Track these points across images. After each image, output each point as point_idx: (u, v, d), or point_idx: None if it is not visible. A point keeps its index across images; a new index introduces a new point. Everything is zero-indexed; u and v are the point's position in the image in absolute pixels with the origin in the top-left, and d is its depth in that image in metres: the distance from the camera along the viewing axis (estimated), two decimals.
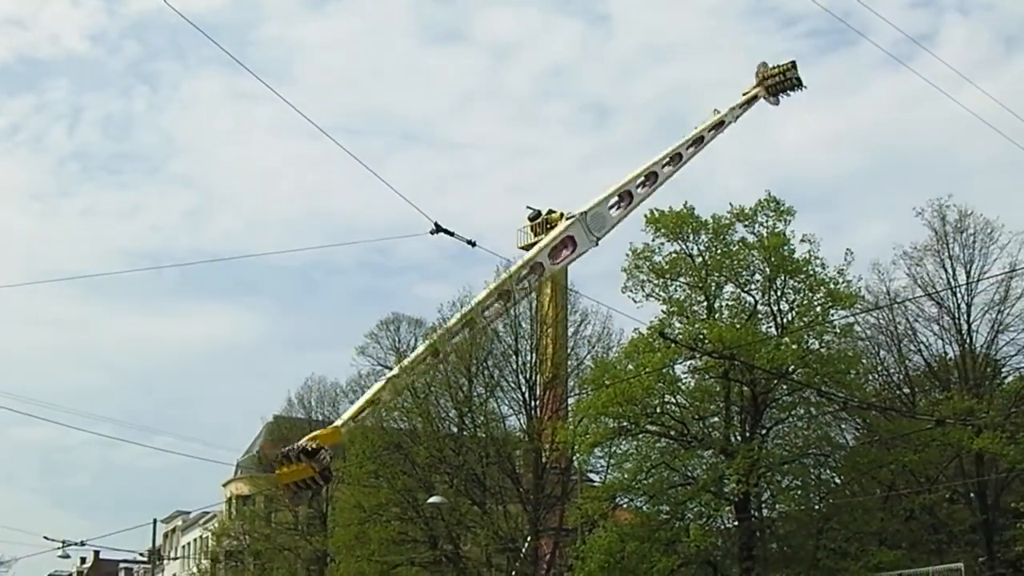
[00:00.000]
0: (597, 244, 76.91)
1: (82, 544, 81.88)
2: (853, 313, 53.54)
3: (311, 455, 58.53)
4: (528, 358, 67.57)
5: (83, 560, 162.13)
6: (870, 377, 58.43)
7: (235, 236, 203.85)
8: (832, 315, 51.65)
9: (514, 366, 67.65)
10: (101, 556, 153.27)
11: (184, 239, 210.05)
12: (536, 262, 72.07)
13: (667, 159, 79.67)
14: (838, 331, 52.05)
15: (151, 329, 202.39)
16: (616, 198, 77.23)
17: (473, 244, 39.79)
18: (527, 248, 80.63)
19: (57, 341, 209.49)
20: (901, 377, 61.60)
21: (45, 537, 79.30)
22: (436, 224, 37.75)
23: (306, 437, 61.08)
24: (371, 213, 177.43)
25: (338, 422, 63.98)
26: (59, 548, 77.70)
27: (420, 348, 67.32)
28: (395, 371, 65.49)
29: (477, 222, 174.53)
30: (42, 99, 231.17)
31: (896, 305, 59.94)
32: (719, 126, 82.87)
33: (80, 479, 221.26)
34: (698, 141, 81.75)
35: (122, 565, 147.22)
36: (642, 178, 78.36)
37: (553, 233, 75.47)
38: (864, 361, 55.98)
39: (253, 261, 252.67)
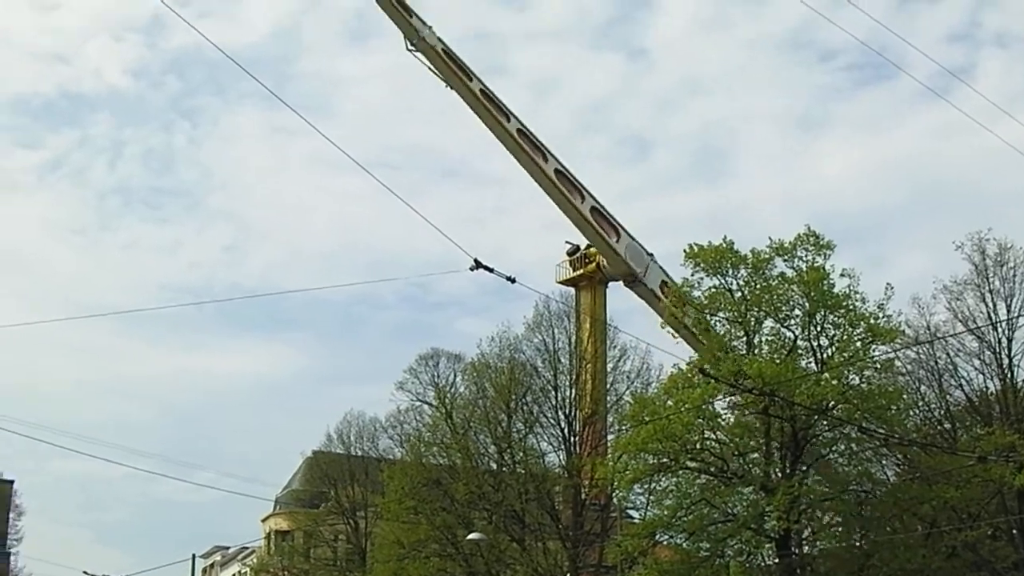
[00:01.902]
0: (624, 268, 77.47)
1: None
2: (894, 348, 53.29)
3: None
4: (567, 394, 67.62)
5: None
6: (911, 412, 57.90)
7: (274, 271, 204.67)
8: (872, 350, 51.42)
9: (553, 402, 67.74)
10: None
11: (224, 274, 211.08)
12: (581, 188, 75.42)
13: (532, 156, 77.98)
14: (879, 366, 51.82)
15: (191, 364, 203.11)
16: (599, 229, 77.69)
17: (513, 280, 39.98)
18: (566, 283, 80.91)
19: (97, 375, 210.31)
20: (942, 412, 61.11)
21: (84, 572, 79.64)
22: (476, 260, 37.91)
23: None
24: (411, 248, 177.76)
25: None
26: None
27: None
28: None
29: (516, 257, 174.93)
30: (84, 134, 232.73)
31: (936, 340, 59.57)
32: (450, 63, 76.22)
33: (120, 513, 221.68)
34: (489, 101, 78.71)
35: None
36: (574, 193, 78.12)
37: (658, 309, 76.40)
38: (905, 396, 55.43)
39: (292, 296, 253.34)
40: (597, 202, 77.86)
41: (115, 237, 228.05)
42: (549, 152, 76.30)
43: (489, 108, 74.42)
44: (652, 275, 78.00)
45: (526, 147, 75.31)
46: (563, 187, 76.33)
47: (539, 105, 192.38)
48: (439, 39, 72.04)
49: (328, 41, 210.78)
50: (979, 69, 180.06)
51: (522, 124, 75.65)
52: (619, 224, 78.60)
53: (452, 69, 72.92)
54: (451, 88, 73.55)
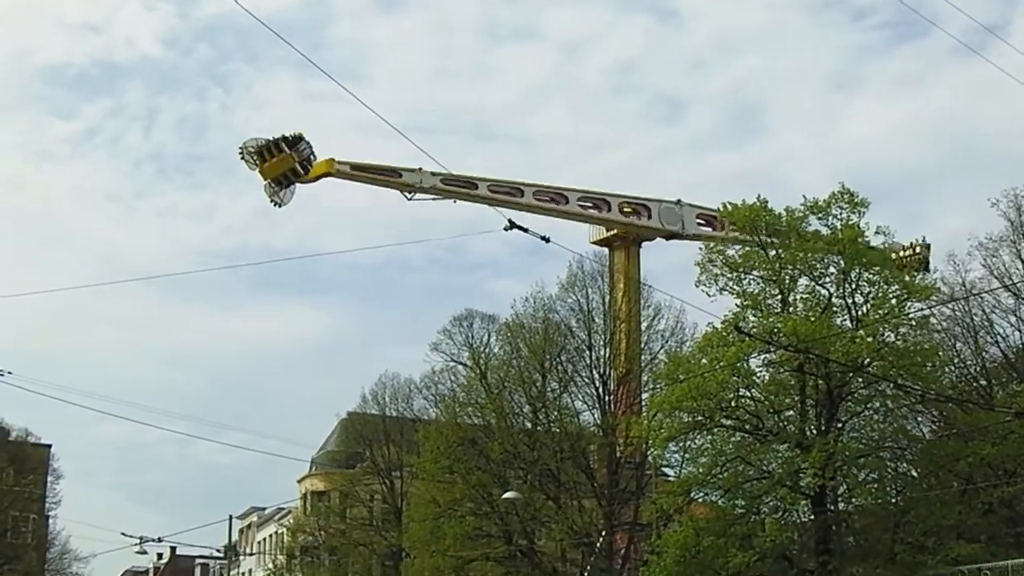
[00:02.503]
0: (664, 231, 77.49)
1: (159, 540, 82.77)
2: (929, 305, 53.07)
3: (292, 144, 61.23)
4: (601, 353, 67.67)
5: (160, 556, 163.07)
6: (946, 369, 57.73)
7: (309, 235, 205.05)
8: (908, 307, 51.26)
9: (587, 361, 67.82)
10: (177, 552, 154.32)
11: (258, 238, 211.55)
12: (605, 198, 72.99)
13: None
14: (914, 323, 51.63)
15: (227, 327, 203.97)
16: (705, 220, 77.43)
17: (547, 240, 39.93)
18: (600, 243, 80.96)
19: (134, 340, 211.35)
20: (978, 369, 60.98)
21: (123, 533, 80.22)
22: (510, 221, 37.97)
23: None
24: (444, 210, 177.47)
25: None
26: (136, 544, 78.58)
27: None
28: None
29: (549, 220, 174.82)
30: (118, 102, 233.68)
31: (972, 296, 59.39)
32: None
33: (157, 476, 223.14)
34: None
35: (198, 561, 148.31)
36: (602, 206, 77.98)
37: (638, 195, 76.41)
38: (940, 353, 55.21)
39: (327, 259, 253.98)
40: (622, 197, 78.13)
41: (150, 204, 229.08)
42: (568, 190, 76.48)
43: (504, 198, 73.65)
44: (688, 221, 78.49)
45: (548, 204, 75.02)
46: (590, 208, 76.47)
47: (570, 67, 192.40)
48: (432, 174, 70.06)
49: (360, 6, 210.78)
50: (1014, 25, 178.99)
51: (538, 184, 75.40)
52: (646, 201, 78.77)
53: (456, 191, 72.29)
54: (461, 201, 73.20)
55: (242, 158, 65.43)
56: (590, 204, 76.35)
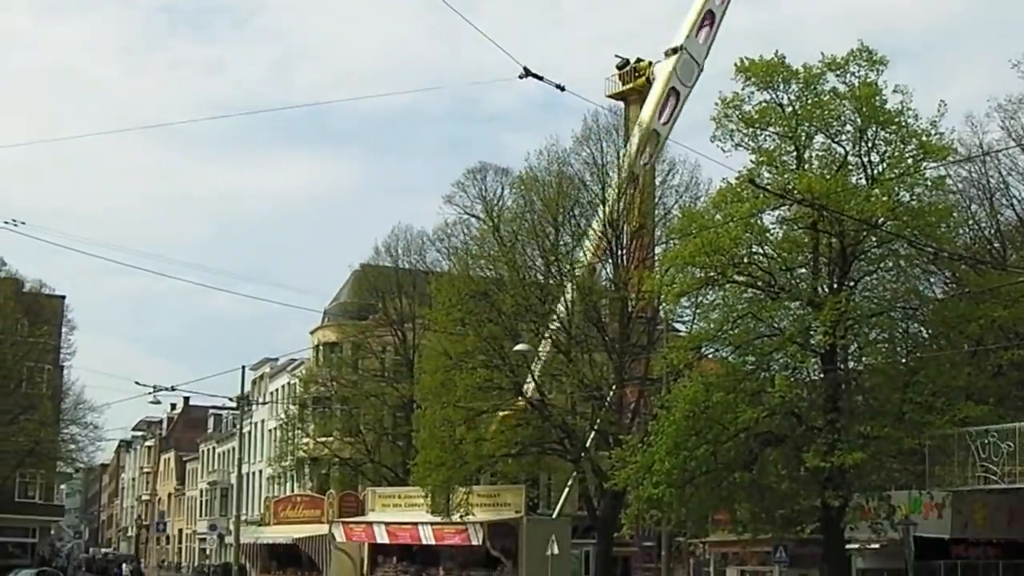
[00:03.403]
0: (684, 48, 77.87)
1: (172, 390, 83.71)
2: (945, 165, 52.72)
3: None
4: (615, 207, 67.57)
5: (173, 406, 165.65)
6: (960, 231, 57.55)
7: (323, 88, 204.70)
8: (924, 167, 50.90)
9: (601, 215, 67.76)
10: (191, 402, 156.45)
11: (272, 92, 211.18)
12: (652, 130, 73.02)
13: None
14: (929, 183, 51.23)
15: (243, 180, 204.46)
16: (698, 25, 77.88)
17: (562, 88, 39.56)
18: (615, 97, 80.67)
19: (149, 192, 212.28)
20: (992, 231, 60.86)
21: (136, 382, 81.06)
22: (525, 68, 37.60)
23: None
24: (459, 63, 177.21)
25: None
26: (150, 394, 79.29)
27: None
28: None
29: (564, 74, 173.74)
30: None
31: (989, 158, 59.07)
32: None
33: (172, 328, 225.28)
34: None
35: (211, 411, 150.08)
36: (652, 138, 77.82)
37: (656, 93, 76.36)
38: (955, 214, 54.97)
39: (342, 112, 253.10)
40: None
41: (162, 56, 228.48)
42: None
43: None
44: (698, 53, 79.30)
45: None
46: (646, 157, 75.78)
47: None
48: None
49: None
50: None
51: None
52: (673, 86, 78.71)
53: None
54: None
55: None
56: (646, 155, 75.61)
